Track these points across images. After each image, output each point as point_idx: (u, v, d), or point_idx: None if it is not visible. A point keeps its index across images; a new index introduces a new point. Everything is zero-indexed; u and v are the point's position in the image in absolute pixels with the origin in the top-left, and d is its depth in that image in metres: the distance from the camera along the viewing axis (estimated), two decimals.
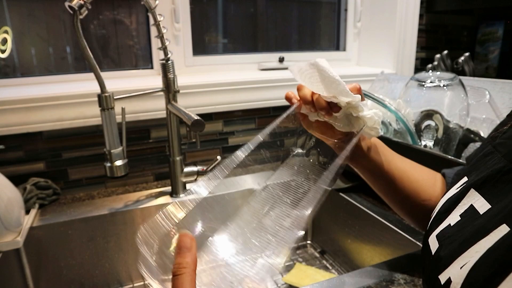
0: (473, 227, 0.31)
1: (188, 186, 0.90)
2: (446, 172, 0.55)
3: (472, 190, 0.35)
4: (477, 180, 0.35)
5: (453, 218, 0.35)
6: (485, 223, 0.30)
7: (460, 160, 0.64)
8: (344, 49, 1.36)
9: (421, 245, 0.66)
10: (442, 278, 0.31)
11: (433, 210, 0.44)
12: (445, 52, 1.19)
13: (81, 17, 0.65)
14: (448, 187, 0.45)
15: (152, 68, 1.08)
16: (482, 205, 0.32)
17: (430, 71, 1.14)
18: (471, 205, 0.33)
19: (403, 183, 0.53)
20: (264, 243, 0.36)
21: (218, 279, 0.33)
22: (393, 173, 0.53)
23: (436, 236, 0.36)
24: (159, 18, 0.77)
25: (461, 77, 0.81)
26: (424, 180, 0.54)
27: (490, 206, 0.31)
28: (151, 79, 1.01)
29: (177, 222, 0.36)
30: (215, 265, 0.36)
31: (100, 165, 0.93)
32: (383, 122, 0.85)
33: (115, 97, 0.74)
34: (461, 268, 0.29)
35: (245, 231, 0.40)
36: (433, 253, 0.35)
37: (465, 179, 0.38)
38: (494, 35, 1.31)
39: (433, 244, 0.35)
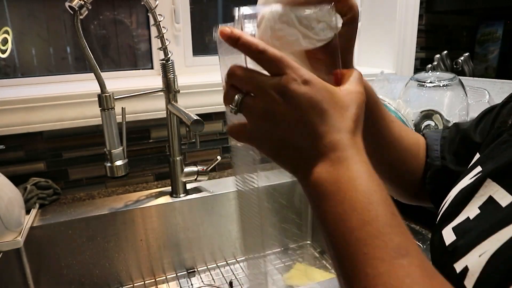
0: (495, 218, 0.29)
1: (188, 186, 0.91)
2: (428, 134, 0.51)
3: (488, 180, 0.32)
4: (493, 169, 0.33)
5: (471, 210, 0.33)
6: (508, 214, 0.28)
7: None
8: None
9: (421, 245, 0.66)
10: (458, 266, 0.29)
11: (416, 180, 0.42)
12: (445, 52, 1.19)
13: (81, 17, 0.65)
14: (439, 161, 0.44)
15: (152, 68, 1.09)
16: (503, 197, 0.30)
17: (430, 71, 1.14)
18: (490, 196, 0.31)
19: (390, 151, 0.47)
20: None
21: None
22: (383, 136, 0.46)
23: (453, 228, 0.34)
24: (159, 18, 0.78)
25: (461, 77, 0.81)
26: (411, 150, 0.49)
27: None
28: (151, 79, 1.01)
29: None
30: None
31: (100, 165, 0.93)
32: None
33: (115, 97, 0.74)
34: (479, 256, 0.28)
35: None
36: (447, 244, 0.33)
37: (478, 168, 0.36)
38: (494, 35, 1.31)
39: (448, 236, 0.33)
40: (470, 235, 0.30)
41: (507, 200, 0.29)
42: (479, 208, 0.32)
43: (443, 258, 0.33)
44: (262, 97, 0.31)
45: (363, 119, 0.32)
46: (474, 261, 0.28)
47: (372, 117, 0.44)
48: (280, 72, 0.30)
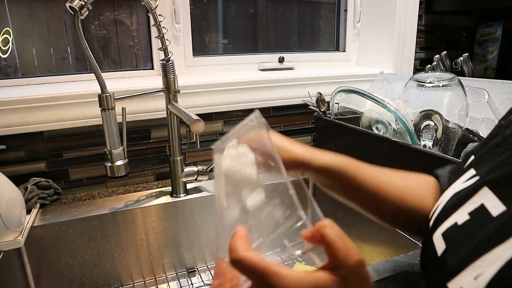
0: (486, 231, 0.28)
1: (188, 186, 0.91)
2: (439, 172, 0.50)
3: (485, 188, 0.32)
4: (491, 178, 0.32)
5: (461, 216, 0.32)
6: (499, 227, 0.28)
7: (459, 160, 0.65)
8: (344, 50, 1.36)
9: (421, 245, 0.67)
10: (453, 287, 0.29)
11: (427, 217, 0.40)
12: (444, 52, 1.19)
13: (82, 17, 0.66)
14: (447, 185, 0.42)
15: (152, 68, 1.09)
16: (495, 206, 0.29)
17: (429, 71, 1.15)
18: (482, 204, 0.31)
19: (386, 195, 0.47)
20: None
21: None
22: (373, 188, 0.47)
23: (442, 234, 0.33)
24: (159, 18, 0.78)
25: (460, 78, 0.82)
26: (410, 186, 0.48)
27: (505, 208, 0.28)
28: (151, 79, 1.02)
29: None
30: None
31: (100, 165, 0.93)
32: (383, 122, 0.86)
33: (115, 97, 0.74)
34: (475, 279, 0.27)
35: None
36: (439, 255, 0.32)
37: (472, 171, 0.35)
38: (493, 36, 1.32)
39: (439, 244, 0.33)
40: (462, 251, 0.30)
41: (498, 209, 0.29)
42: (469, 214, 0.32)
43: (435, 270, 0.33)
44: None
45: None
46: (470, 284, 0.27)
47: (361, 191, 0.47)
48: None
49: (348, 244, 0.30)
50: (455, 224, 0.32)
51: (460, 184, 0.36)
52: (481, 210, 0.31)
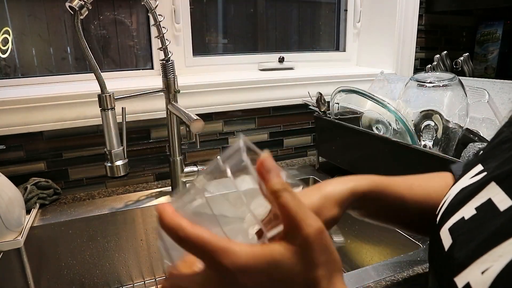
0: (493, 226, 0.28)
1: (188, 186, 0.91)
2: (453, 167, 0.50)
3: (493, 183, 0.31)
4: (499, 173, 0.31)
5: (468, 211, 0.32)
6: (507, 222, 0.27)
7: (460, 160, 0.64)
8: (344, 50, 1.36)
9: (420, 245, 0.67)
10: (459, 281, 0.28)
11: None
12: (445, 52, 1.19)
13: (81, 17, 0.66)
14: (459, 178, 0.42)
15: (152, 68, 1.09)
16: (502, 200, 0.29)
17: (430, 71, 1.14)
18: (489, 199, 0.30)
19: (412, 199, 0.46)
20: None
21: None
22: (399, 200, 0.46)
23: (449, 229, 0.33)
24: (159, 18, 0.78)
25: (461, 78, 0.81)
26: (433, 186, 0.47)
27: None
28: (151, 79, 1.02)
29: None
30: None
31: (100, 165, 0.93)
32: (383, 122, 0.86)
33: (115, 97, 0.74)
34: (482, 273, 0.26)
35: None
36: (446, 249, 0.32)
37: (479, 167, 0.35)
38: (493, 36, 1.32)
39: (446, 238, 0.32)
40: (470, 246, 0.29)
41: (505, 204, 0.28)
42: (476, 209, 0.31)
43: (442, 265, 0.32)
44: None
45: (332, 259, 0.29)
46: (477, 278, 0.27)
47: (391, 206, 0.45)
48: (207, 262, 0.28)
49: (306, 210, 0.28)
50: (462, 219, 0.32)
51: (468, 179, 0.36)
52: (489, 205, 0.30)
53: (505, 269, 0.25)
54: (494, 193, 0.30)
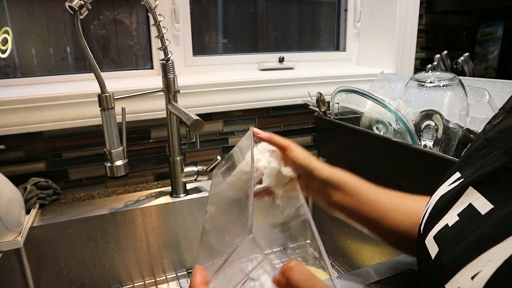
0: (478, 229, 0.29)
1: (188, 186, 0.91)
2: None
3: (470, 188, 0.32)
4: (475, 177, 0.33)
5: (451, 217, 0.33)
6: (493, 227, 0.28)
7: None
8: (344, 49, 1.36)
9: None
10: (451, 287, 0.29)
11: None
12: (445, 52, 1.19)
13: (81, 17, 0.65)
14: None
15: (152, 68, 1.09)
16: (482, 205, 0.30)
17: (430, 71, 1.14)
18: (470, 204, 0.31)
19: (387, 218, 0.50)
20: None
21: None
22: (374, 210, 0.51)
23: (434, 237, 0.33)
24: (159, 18, 0.77)
25: (461, 77, 0.81)
26: (416, 207, 0.49)
27: (492, 206, 0.29)
28: (151, 79, 1.01)
29: None
30: None
31: (100, 165, 0.93)
32: (383, 122, 0.86)
33: (115, 97, 0.74)
34: (472, 278, 0.27)
35: None
36: (433, 258, 0.32)
37: (457, 174, 0.36)
38: (494, 35, 1.31)
39: (432, 247, 0.33)
40: (456, 250, 0.30)
41: (486, 208, 0.29)
42: (458, 215, 0.32)
43: (431, 273, 0.32)
44: None
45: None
46: (467, 284, 0.27)
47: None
48: None
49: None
50: (446, 226, 0.33)
51: (446, 186, 0.36)
52: (470, 209, 0.31)
53: (495, 275, 0.25)
54: (473, 198, 0.31)
